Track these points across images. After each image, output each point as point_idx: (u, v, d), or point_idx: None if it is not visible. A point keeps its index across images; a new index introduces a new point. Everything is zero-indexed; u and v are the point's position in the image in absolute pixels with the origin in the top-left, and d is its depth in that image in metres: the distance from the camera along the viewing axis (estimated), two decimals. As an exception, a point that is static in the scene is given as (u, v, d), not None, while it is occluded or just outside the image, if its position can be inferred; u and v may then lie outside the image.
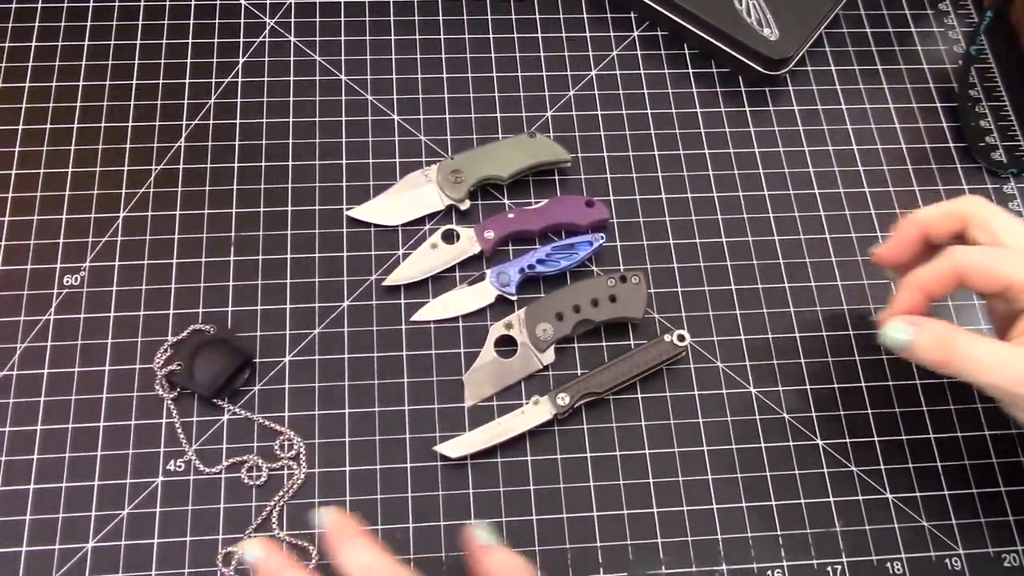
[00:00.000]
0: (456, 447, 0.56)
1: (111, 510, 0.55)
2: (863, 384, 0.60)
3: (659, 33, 0.72)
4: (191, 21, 0.70)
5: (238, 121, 0.66)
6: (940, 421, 0.59)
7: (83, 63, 0.68)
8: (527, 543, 0.55)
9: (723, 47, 0.69)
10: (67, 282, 0.61)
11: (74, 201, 0.63)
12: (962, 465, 0.58)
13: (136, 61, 0.68)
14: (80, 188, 0.63)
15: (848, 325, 0.62)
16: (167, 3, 0.70)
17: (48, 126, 0.65)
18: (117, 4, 0.70)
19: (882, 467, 0.58)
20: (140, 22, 0.69)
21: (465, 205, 0.63)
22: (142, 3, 0.70)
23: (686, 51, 0.71)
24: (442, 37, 0.70)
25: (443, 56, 0.70)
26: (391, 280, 0.61)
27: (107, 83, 0.67)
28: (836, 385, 0.60)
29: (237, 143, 0.65)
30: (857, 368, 0.61)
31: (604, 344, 0.61)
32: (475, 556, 0.46)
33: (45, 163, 0.64)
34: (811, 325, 0.62)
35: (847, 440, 0.59)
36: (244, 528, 0.55)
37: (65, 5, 0.70)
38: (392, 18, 0.71)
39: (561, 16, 0.72)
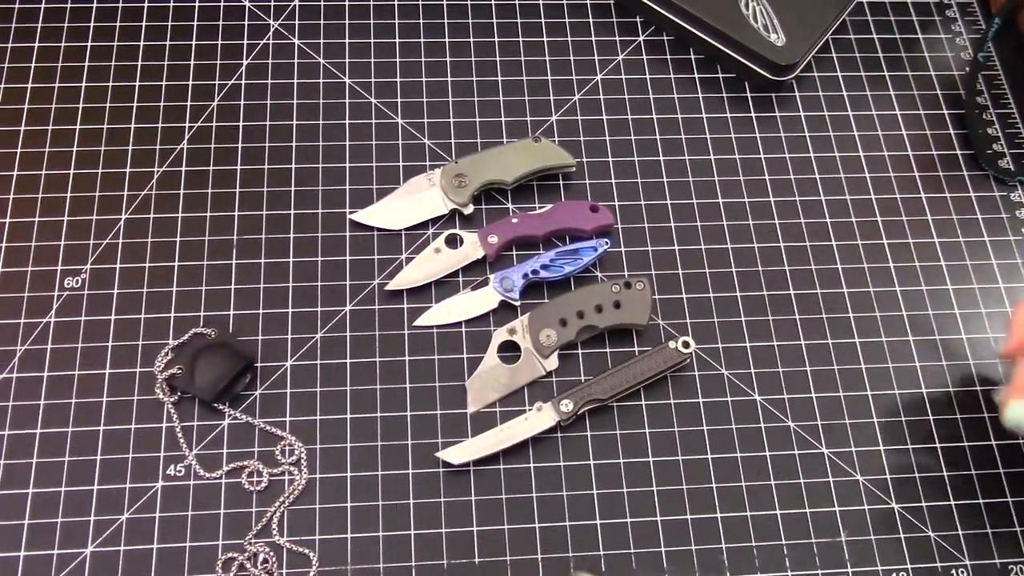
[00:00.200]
0: (458, 453, 0.56)
1: (110, 515, 0.54)
2: (869, 392, 0.60)
3: (665, 38, 0.71)
4: (195, 23, 0.69)
5: (241, 124, 0.66)
6: (946, 430, 0.59)
7: (85, 64, 0.67)
8: (529, 551, 0.54)
9: (729, 52, 0.69)
10: (68, 284, 0.60)
11: (76, 203, 0.63)
12: (968, 475, 0.58)
13: (139, 63, 0.68)
14: (82, 190, 0.63)
15: (854, 332, 0.61)
16: (170, 4, 0.70)
17: (50, 127, 0.65)
18: (121, 5, 0.70)
19: (888, 477, 0.57)
20: (143, 23, 0.69)
21: (469, 209, 0.63)
22: (146, 4, 0.70)
23: (692, 56, 0.71)
24: (447, 40, 0.70)
25: (448, 59, 0.69)
26: (394, 285, 0.61)
27: (110, 84, 0.67)
28: (842, 393, 0.60)
29: (240, 146, 0.65)
30: (863, 376, 0.60)
31: (608, 350, 0.60)
32: None
33: (47, 165, 0.64)
34: (816, 332, 0.61)
35: (852, 449, 0.58)
36: (244, 534, 0.54)
37: (68, 7, 0.69)
38: (397, 21, 0.71)
39: (567, 20, 0.71)
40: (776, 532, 0.56)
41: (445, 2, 0.72)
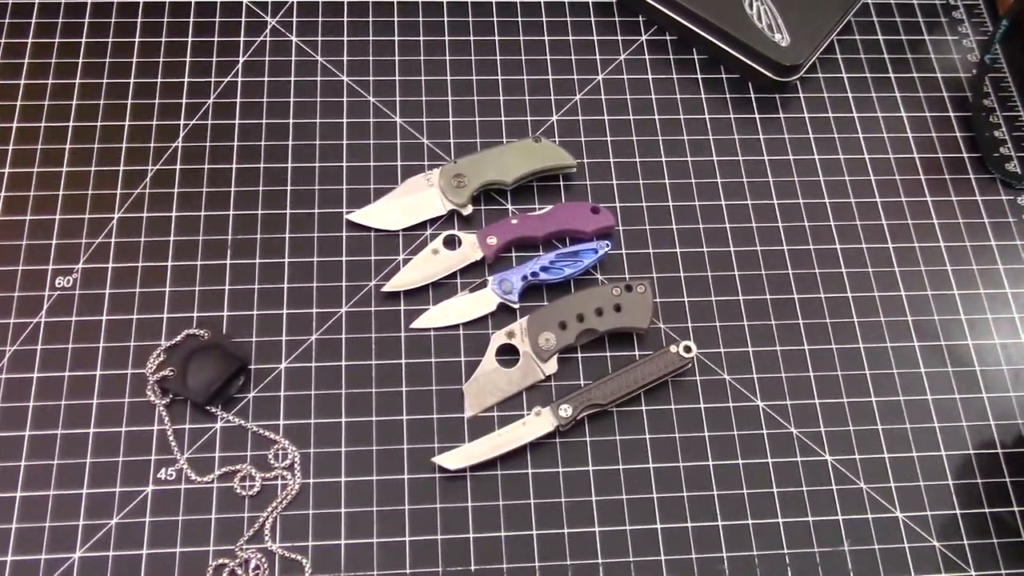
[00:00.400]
0: (455, 459, 0.55)
1: (100, 519, 0.53)
2: (873, 399, 0.59)
3: (668, 37, 0.70)
4: (191, 19, 0.68)
5: (237, 121, 0.65)
6: (951, 437, 0.58)
7: (80, 60, 0.66)
8: (527, 559, 0.53)
9: (733, 52, 0.68)
10: (59, 284, 0.59)
11: (68, 201, 0.62)
12: (974, 484, 0.57)
13: (134, 59, 0.67)
14: (74, 188, 0.62)
15: (858, 337, 0.61)
16: (167, 0, 0.69)
17: (43, 124, 0.64)
18: (116, 0, 0.69)
19: (892, 485, 0.56)
20: (139, 19, 0.68)
21: (467, 210, 0.62)
22: (141, 0, 0.69)
23: (695, 56, 0.70)
24: (447, 39, 0.69)
25: (447, 58, 0.68)
26: (391, 286, 0.60)
27: (104, 81, 0.66)
28: (845, 400, 0.59)
29: (235, 144, 0.64)
30: (868, 382, 0.59)
31: (608, 354, 0.59)
32: None
33: (39, 162, 0.63)
34: (820, 337, 0.60)
35: (856, 457, 0.57)
36: (236, 540, 0.53)
37: (63, 2, 0.68)
38: (396, 19, 0.70)
39: (568, 19, 0.70)
40: (778, 541, 0.55)
41: (445, 0, 0.71)
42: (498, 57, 0.69)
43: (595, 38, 0.70)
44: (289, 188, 0.63)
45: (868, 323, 0.61)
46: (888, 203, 0.65)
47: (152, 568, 0.52)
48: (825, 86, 0.69)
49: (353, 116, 0.66)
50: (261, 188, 0.63)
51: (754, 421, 0.58)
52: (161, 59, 0.67)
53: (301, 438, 0.56)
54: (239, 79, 0.66)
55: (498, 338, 0.58)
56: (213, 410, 0.56)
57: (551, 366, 0.58)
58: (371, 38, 0.69)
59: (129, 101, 0.65)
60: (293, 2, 0.70)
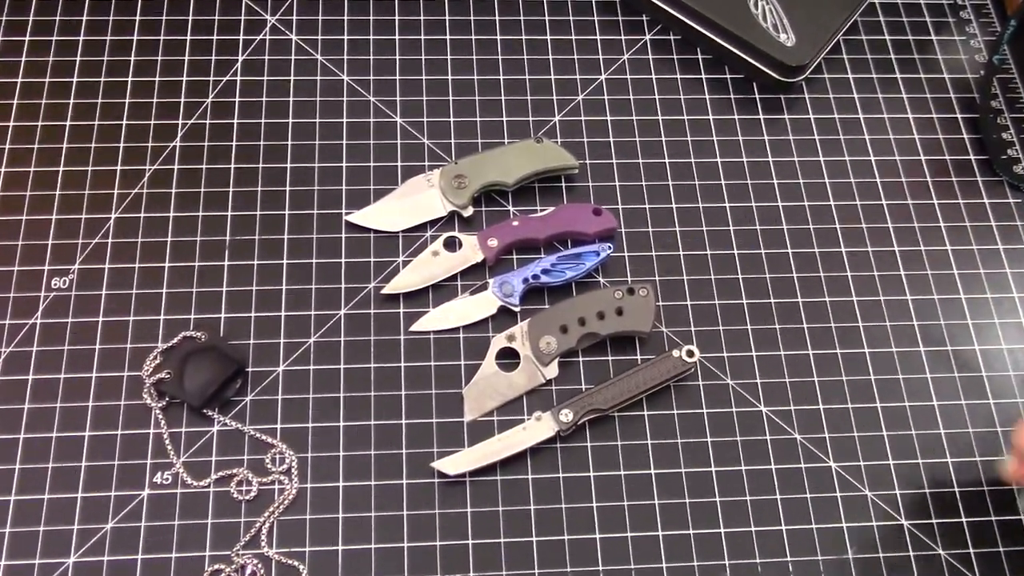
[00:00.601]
0: (454, 463, 0.54)
1: (95, 524, 0.53)
2: (878, 404, 0.58)
3: (672, 37, 0.70)
4: (189, 17, 0.68)
5: (236, 121, 0.64)
6: (957, 444, 0.57)
7: (77, 59, 0.66)
8: (526, 565, 0.53)
9: (737, 52, 0.67)
10: (55, 285, 0.59)
11: (64, 201, 0.61)
12: (980, 492, 0.56)
13: (132, 57, 0.66)
14: (71, 188, 0.61)
15: (863, 342, 0.60)
16: (165, -2, 0.69)
17: (40, 123, 0.63)
18: (114, -1, 0.68)
19: (897, 492, 0.56)
20: (137, 17, 0.68)
21: (468, 212, 0.61)
22: (140, -2, 0.68)
23: (699, 56, 0.69)
24: (448, 38, 0.68)
25: (448, 57, 0.68)
26: (390, 288, 0.59)
27: (102, 79, 0.65)
28: (850, 405, 0.58)
29: (234, 144, 0.64)
30: (873, 388, 0.59)
31: (610, 359, 0.58)
32: None
33: (36, 161, 0.62)
34: (825, 342, 0.60)
35: (861, 463, 0.56)
36: (232, 545, 0.53)
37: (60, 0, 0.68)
38: (397, 18, 0.69)
39: (571, 18, 0.70)
40: (781, 548, 0.54)
41: (447, -2, 0.70)
42: (500, 57, 0.68)
43: (598, 37, 0.69)
44: (288, 189, 0.62)
45: (873, 327, 0.60)
46: (894, 205, 0.65)
47: (147, 573, 0.52)
48: (831, 87, 0.69)
49: (353, 116, 0.65)
50: (260, 188, 0.62)
51: (757, 427, 0.57)
52: (159, 57, 0.66)
53: (299, 442, 0.55)
54: (238, 78, 0.66)
55: (498, 341, 0.57)
56: (210, 413, 0.55)
57: (552, 370, 0.57)
58: (372, 37, 0.68)
59: (127, 100, 0.65)
60: (293, 0, 0.69)
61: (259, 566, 0.52)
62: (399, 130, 0.65)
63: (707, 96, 0.68)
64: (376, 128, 0.65)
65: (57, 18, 0.67)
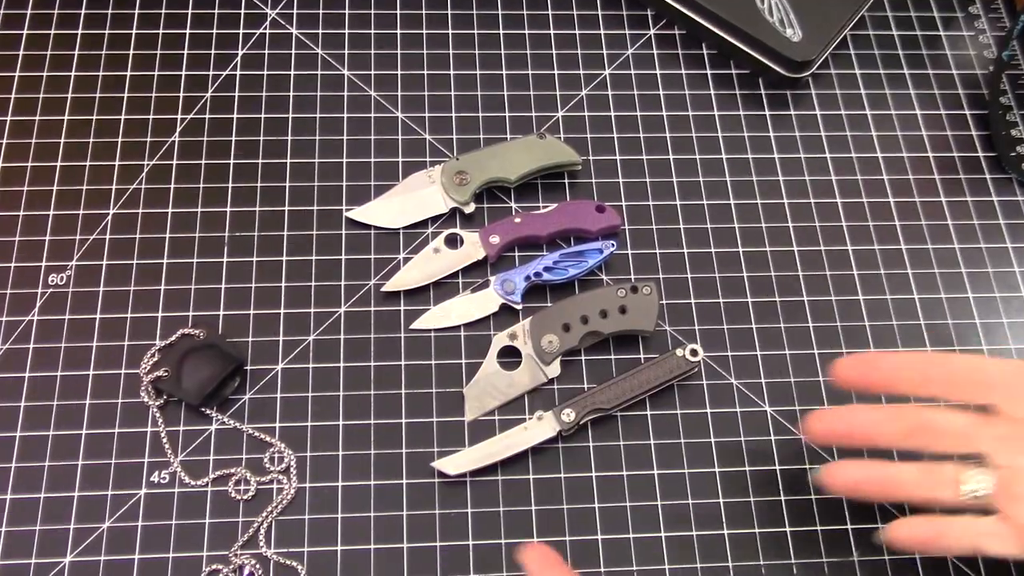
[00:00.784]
0: (455, 463, 0.54)
1: (91, 523, 0.52)
2: (884, 404, 0.57)
3: (676, 32, 0.69)
4: (189, 11, 0.67)
5: (235, 116, 0.64)
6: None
7: (75, 52, 0.65)
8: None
9: (743, 47, 0.66)
10: (52, 281, 0.58)
11: (62, 196, 0.60)
12: (988, 493, 0.55)
13: (131, 51, 0.65)
14: (69, 183, 0.61)
15: (870, 342, 0.59)
16: (165, -9, 0.68)
17: (37, 118, 0.63)
18: (113, -8, 0.68)
19: (903, 493, 0.55)
20: (136, 11, 0.67)
21: (470, 208, 0.61)
22: (139, -9, 0.68)
23: (704, 51, 0.68)
24: (450, 32, 0.68)
25: (451, 52, 0.67)
26: (391, 286, 0.58)
27: (100, 74, 0.65)
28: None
29: (233, 139, 0.63)
30: (879, 388, 0.58)
31: (612, 357, 0.58)
32: None
33: (33, 157, 0.62)
34: (831, 341, 0.59)
35: (867, 464, 0.56)
36: (230, 545, 0.52)
37: (59, -8, 0.67)
38: (398, 11, 0.68)
39: (575, 12, 0.69)
40: (786, 550, 0.53)
41: (449, -8, 0.69)
42: (502, 51, 0.67)
43: (602, 32, 0.68)
44: (288, 184, 0.62)
45: (880, 327, 0.60)
46: (901, 203, 0.64)
47: (144, 573, 0.51)
48: (838, 83, 0.68)
49: (354, 111, 0.64)
50: (259, 184, 0.61)
51: (762, 427, 0.56)
52: (158, 51, 0.65)
53: (297, 441, 0.55)
54: (238, 72, 0.65)
55: (500, 340, 0.57)
56: (208, 412, 0.55)
57: (554, 369, 0.56)
58: (373, 31, 0.67)
59: (125, 94, 0.64)
60: (294, -6, 0.69)
61: (257, 566, 0.51)
62: (400, 125, 0.64)
63: (712, 92, 0.67)
64: (377, 123, 0.64)
65: (55, 12, 0.66)
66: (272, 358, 0.57)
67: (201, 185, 0.61)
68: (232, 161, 0.62)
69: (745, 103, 0.67)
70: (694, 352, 0.56)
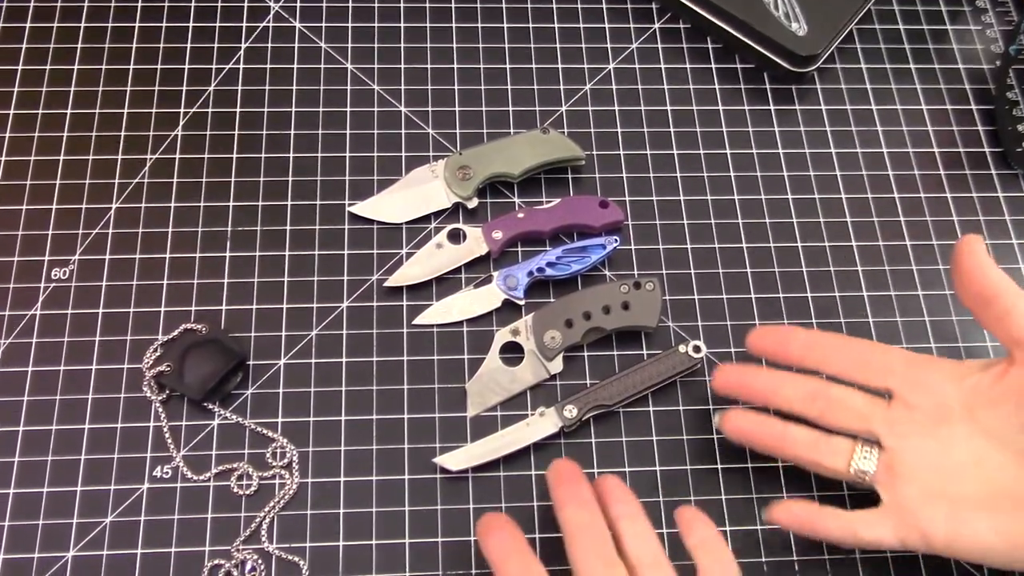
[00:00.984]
0: (457, 459, 0.54)
1: (94, 517, 0.52)
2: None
3: (681, 26, 0.68)
4: (192, 4, 0.67)
5: (238, 110, 0.64)
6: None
7: (78, 45, 0.65)
8: (529, 563, 0.52)
9: (748, 42, 0.66)
10: (55, 276, 0.58)
11: (65, 191, 0.60)
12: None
13: (134, 44, 0.65)
14: (71, 177, 0.61)
15: (874, 338, 0.59)
16: (168, -15, 0.68)
17: (40, 111, 0.63)
18: (116, -15, 0.67)
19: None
20: (139, 3, 0.67)
21: (473, 203, 0.60)
22: (142, -16, 0.67)
23: (709, 45, 0.68)
24: (454, 26, 0.67)
25: (454, 45, 0.67)
26: (393, 281, 0.58)
27: (103, 67, 0.64)
28: (859, 402, 0.57)
29: (236, 133, 0.63)
30: (882, 385, 0.58)
31: (615, 353, 0.58)
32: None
33: (36, 150, 0.61)
34: (834, 338, 0.59)
35: (870, 461, 0.56)
36: (232, 540, 0.52)
37: (62, -15, 0.67)
38: (402, 5, 0.68)
39: (579, 6, 0.69)
40: (788, 547, 0.53)
41: (452, -15, 0.69)
42: (506, 45, 0.67)
43: (606, 26, 0.68)
44: (290, 179, 0.61)
45: (884, 323, 0.59)
46: (906, 199, 0.63)
47: (146, 568, 0.51)
48: (843, 77, 0.67)
49: (357, 105, 0.64)
50: (262, 179, 0.61)
51: (765, 424, 0.56)
52: (161, 45, 0.65)
53: (300, 436, 0.55)
54: (241, 66, 0.65)
55: (502, 335, 0.57)
56: (210, 407, 0.55)
57: (556, 365, 0.56)
58: (376, 24, 0.67)
59: (128, 88, 0.64)
60: (297, -13, 0.68)
61: (259, 561, 0.52)
62: (403, 120, 0.64)
63: (717, 86, 0.66)
64: (380, 117, 0.64)
65: (58, 4, 0.66)
66: (274, 353, 0.57)
67: (204, 179, 0.61)
68: (235, 155, 0.62)
69: (750, 98, 0.66)
70: (697, 348, 0.56)
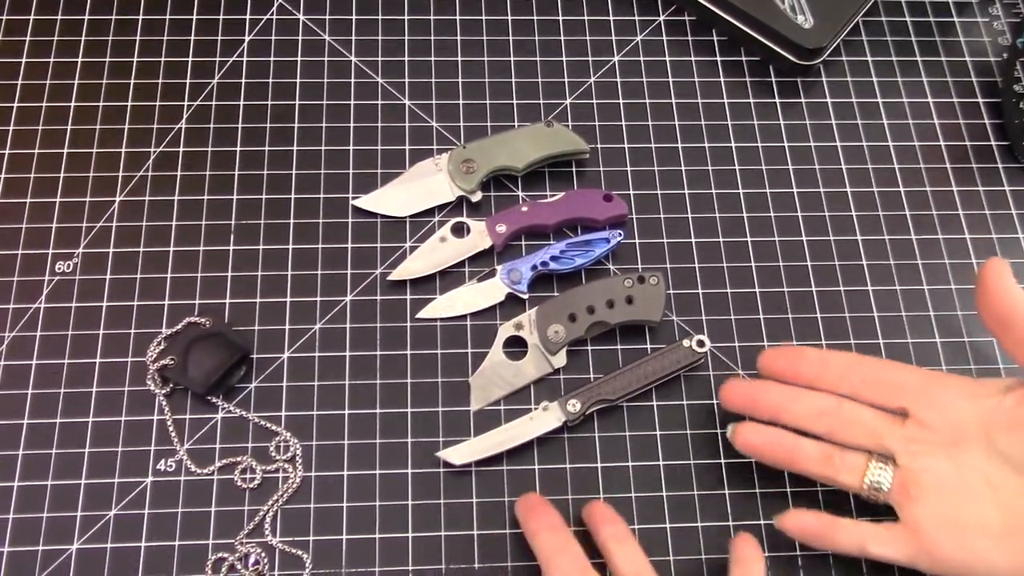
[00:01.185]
0: (460, 453, 0.54)
1: (98, 510, 0.52)
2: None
3: (686, 18, 0.68)
4: (196, -4, 0.67)
5: (242, 103, 0.63)
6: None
7: (82, 38, 0.65)
8: (532, 556, 0.51)
9: (754, 34, 0.65)
10: (59, 269, 0.58)
11: (69, 184, 0.60)
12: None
13: (137, 37, 0.65)
14: (75, 170, 0.61)
15: (878, 333, 0.59)
16: (171, -23, 0.67)
17: (44, 104, 0.63)
18: (120, -23, 0.67)
19: (910, 486, 0.55)
20: (143, -4, 0.67)
21: (477, 197, 0.60)
22: (145, -24, 0.67)
23: (714, 38, 0.68)
24: (458, 18, 0.67)
25: (458, 38, 0.66)
26: (397, 274, 0.58)
27: (107, 60, 0.64)
28: (864, 397, 0.57)
29: (240, 126, 0.63)
30: (887, 380, 0.57)
31: (619, 348, 0.58)
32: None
33: (40, 143, 0.62)
34: (839, 332, 0.59)
35: (874, 456, 0.55)
36: (236, 533, 0.52)
37: (66, -23, 0.67)
38: (406, -3, 0.68)
39: (583, -2, 0.68)
40: (791, 543, 0.53)
41: (457, -22, 0.69)
42: (511, 37, 0.67)
43: (611, 18, 0.68)
44: (294, 172, 0.61)
45: (889, 318, 0.59)
46: (912, 192, 0.63)
47: (150, 561, 0.52)
48: (849, 70, 0.67)
49: (361, 98, 0.64)
50: (265, 172, 0.61)
51: (768, 418, 0.56)
52: (165, 38, 0.65)
53: (303, 430, 0.55)
54: (244, 59, 0.65)
55: (506, 329, 0.57)
56: (214, 400, 0.55)
57: (560, 359, 0.56)
58: (380, 17, 0.67)
59: (132, 81, 0.64)
60: (301, -21, 0.68)
61: (263, 555, 0.52)
62: (407, 112, 0.64)
63: (722, 79, 0.66)
64: (384, 110, 0.64)
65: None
66: (278, 346, 0.57)
67: (207, 172, 0.61)
68: (239, 148, 0.62)
69: (755, 90, 0.66)
70: (701, 343, 0.56)
